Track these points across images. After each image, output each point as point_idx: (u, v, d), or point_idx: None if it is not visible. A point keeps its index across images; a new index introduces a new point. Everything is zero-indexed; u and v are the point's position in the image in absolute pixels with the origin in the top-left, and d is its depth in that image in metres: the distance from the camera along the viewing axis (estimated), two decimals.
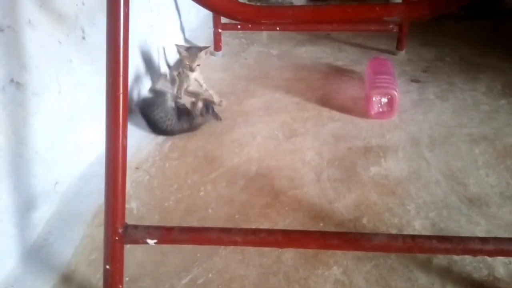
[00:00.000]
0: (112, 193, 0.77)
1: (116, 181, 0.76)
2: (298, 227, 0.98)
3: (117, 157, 0.76)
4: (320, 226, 0.98)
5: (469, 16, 2.06)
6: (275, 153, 1.24)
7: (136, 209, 1.05)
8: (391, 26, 1.75)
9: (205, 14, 2.25)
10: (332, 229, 0.96)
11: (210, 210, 1.05)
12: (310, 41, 1.98)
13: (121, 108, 0.74)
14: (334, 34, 2.02)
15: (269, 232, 0.80)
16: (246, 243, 0.78)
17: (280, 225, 0.99)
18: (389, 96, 1.34)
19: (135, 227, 0.79)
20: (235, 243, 0.79)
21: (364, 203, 1.04)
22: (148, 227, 0.79)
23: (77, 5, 1.09)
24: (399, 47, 1.78)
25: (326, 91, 1.56)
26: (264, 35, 2.05)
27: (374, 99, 1.34)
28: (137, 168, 1.18)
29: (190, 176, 1.15)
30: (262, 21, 0.80)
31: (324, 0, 2.47)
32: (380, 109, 1.36)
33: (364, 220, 0.99)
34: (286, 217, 1.01)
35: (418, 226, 0.97)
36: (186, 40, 1.95)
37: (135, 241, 0.79)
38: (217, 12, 0.91)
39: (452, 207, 1.02)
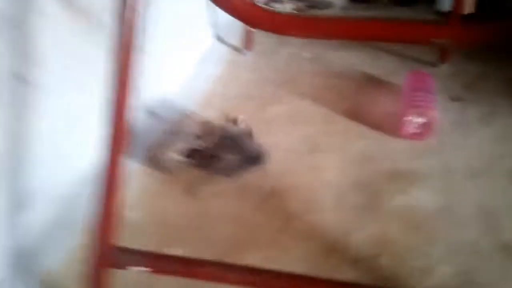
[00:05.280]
0: (103, 209, 0.71)
1: (111, 195, 0.71)
2: (310, 260, 0.90)
3: (114, 171, 0.70)
4: (332, 263, 0.90)
5: None
6: (293, 170, 1.16)
7: (140, 219, 1.00)
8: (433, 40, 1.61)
9: None
10: (345, 268, 0.88)
11: (213, 230, 0.98)
12: (345, 46, 1.85)
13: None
14: None
15: (276, 275, 0.71)
16: (246, 284, 0.71)
17: (291, 256, 0.91)
18: (427, 117, 1.22)
19: (125, 250, 0.73)
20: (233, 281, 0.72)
21: (384, 238, 0.95)
22: (141, 252, 0.73)
23: None
24: (442, 58, 1.64)
25: (357, 102, 1.45)
26: None
27: (409, 118, 1.23)
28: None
29: (200, 188, 1.09)
30: (293, 33, 0.74)
31: (368, 2, 2.33)
32: (415, 130, 1.24)
33: (382, 260, 0.90)
34: (298, 247, 0.93)
35: (440, 274, 0.87)
36: (216, 37, 1.88)
37: (122, 267, 0.73)
38: (241, 20, 0.83)
39: (483, 254, 0.91)
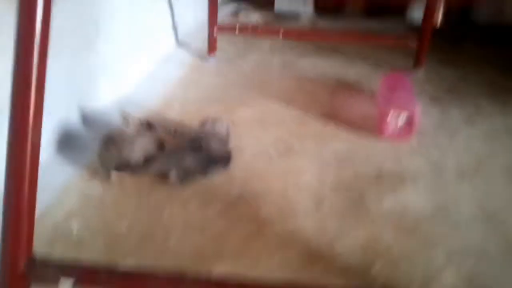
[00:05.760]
0: (14, 212, 0.53)
1: (21, 193, 0.53)
2: (287, 270, 0.73)
3: (23, 159, 0.52)
4: (317, 271, 0.73)
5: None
6: (264, 173, 1.00)
7: (76, 230, 0.80)
8: (409, 41, 1.54)
9: (205, 16, 2.06)
10: (333, 277, 0.71)
11: (173, 240, 0.80)
12: (316, 53, 1.76)
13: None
14: (342, 47, 1.81)
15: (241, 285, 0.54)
16: None
17: (264, 265, 0.74)
18: (408, 114, 1.11)
19: (45, 263, 0.54)
20: None
21: (375, 244, 0.80)
22: (63, 263, 0.54)
23: None
24: (417, 64, 1.56)
25: (331, 106, 1.33)
26: (266, 43, 1.84)
27: (390, 115, 1.11)
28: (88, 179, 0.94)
29: (154, 193, 0.91)
30: None
31: (335, 13, 2.28)
32: (397, 130, 1.12)
33: (376, 269, 0.74)
34: (273, 255, 0.76)
35: (444, 282, 0.72)
36: (178, 42, 1.74)
37: (43, 280, 0.54)
38: None
39: (490, 256, 0.77)
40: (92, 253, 0.76)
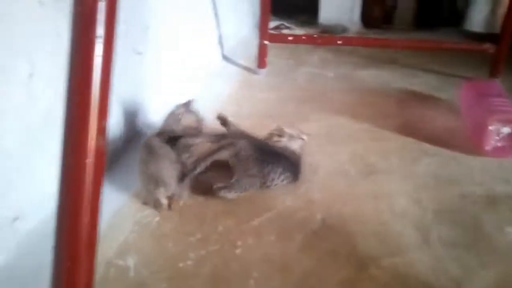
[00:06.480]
0: (69, 250, 0.38)
1: (79, 221, 0.38)
2: None
3: (82, 173, 0.37)
4: None
5: None
6: (348, 196, 0.83)
7: (134, 269, 0.64)
8: (486, 46, 1.37)
9: (248, 31, 1.95)
10: None
11: (252, 281, 0.63)
12: (373, 65, 1.61)
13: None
14: (401, 59, 1.65)
15: None
16: None
17: None
18: None
19: None
20: None
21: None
22: None
23: None
24: (494, 73, 1.39)
25: (405, 118, 1.16)
26: (315, 57, 1.70)
27: (491, 128, 0.93)
28: (144, 204, 0.79)
29: (221, 221, 0.75)
30: None
31: (382, 29, 2.13)
32: (500, 143, 0.94)
33: None
34: None
35: None
36: (224, 56, 1.62)
37: None
38: None
39: None
40: None
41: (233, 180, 0.79)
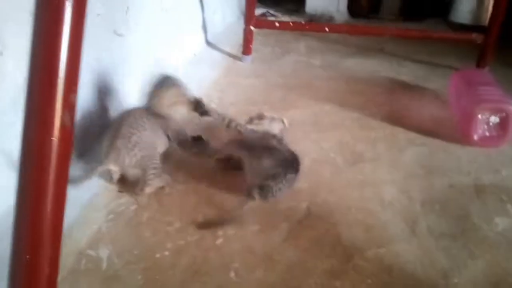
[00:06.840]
0: (30, 239, 0.34)
1: (42, 209, 0.34)
2: None
3: (46, 154, 0.33)
4: None
5: None
6: (334, 184, 0.80)
7: (107, 261, 0.60)
8: (474, 36, 1.35)
9: (233, 19, 1.90)
10: None
11: (232, 273, 0.60)
12: (360, 54, 1.58)
13: None
14: (387, 48, 1.63)
15: None
16: None
17: None
18: (503, 114, 0.91)
19: None
20: None
21: (506, 279, 0.59)
22: None
23: None
24: (481, 63, 1.37)
25: (393, 107, 1.14)
26: (301, 45, 1.66)
27: (480, 117, 0.91)
28: (120, 191, 0.75)
29: (202, 210, 0.71)
30: None
31: (368, 18, 2.11)
32: (488, 132, 0.92)
33: None
34: None
35: None
36: (207, 42, 1.57)
37: None
38: None
39: None
40: None
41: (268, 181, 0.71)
